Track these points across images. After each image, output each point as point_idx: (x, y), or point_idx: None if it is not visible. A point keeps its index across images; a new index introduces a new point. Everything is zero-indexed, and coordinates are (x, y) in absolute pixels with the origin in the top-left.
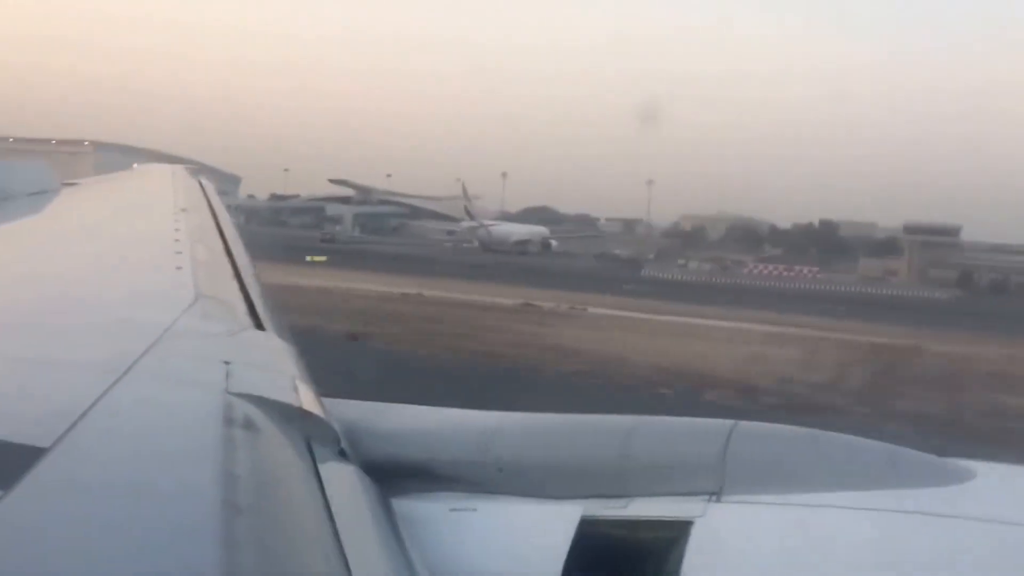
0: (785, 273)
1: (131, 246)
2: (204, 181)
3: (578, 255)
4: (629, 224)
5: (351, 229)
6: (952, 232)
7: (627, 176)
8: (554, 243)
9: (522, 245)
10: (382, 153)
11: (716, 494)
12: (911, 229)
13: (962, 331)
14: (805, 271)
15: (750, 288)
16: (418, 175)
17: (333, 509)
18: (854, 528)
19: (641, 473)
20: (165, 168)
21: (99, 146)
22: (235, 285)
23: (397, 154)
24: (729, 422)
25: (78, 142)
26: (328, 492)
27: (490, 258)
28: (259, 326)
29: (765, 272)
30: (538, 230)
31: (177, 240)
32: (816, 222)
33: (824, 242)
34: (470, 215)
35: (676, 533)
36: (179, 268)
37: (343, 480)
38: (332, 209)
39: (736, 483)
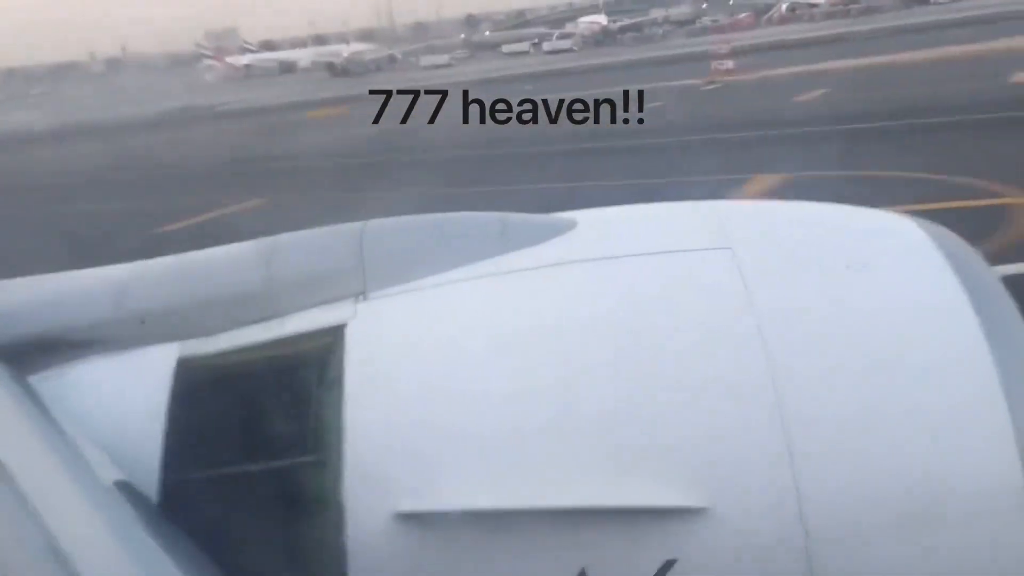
0: None
1: None
2: None
3: None
4: None
5: None
6: None
7: None
8: None
9: None
10: None
11: (362, 294)
12: None
13: None
14: None
15: None
16: None
17: None
18: (482, 296)
19: (287, 290)
20: None
21: None
22: None
23: None
24: (359, 223)
25: None
26: None
27: None
28: None
29: None
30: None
31: None
32: None
33: None
34: None
35: (333, 339)
36: None
37: None
38: None
39: (377, 279)
